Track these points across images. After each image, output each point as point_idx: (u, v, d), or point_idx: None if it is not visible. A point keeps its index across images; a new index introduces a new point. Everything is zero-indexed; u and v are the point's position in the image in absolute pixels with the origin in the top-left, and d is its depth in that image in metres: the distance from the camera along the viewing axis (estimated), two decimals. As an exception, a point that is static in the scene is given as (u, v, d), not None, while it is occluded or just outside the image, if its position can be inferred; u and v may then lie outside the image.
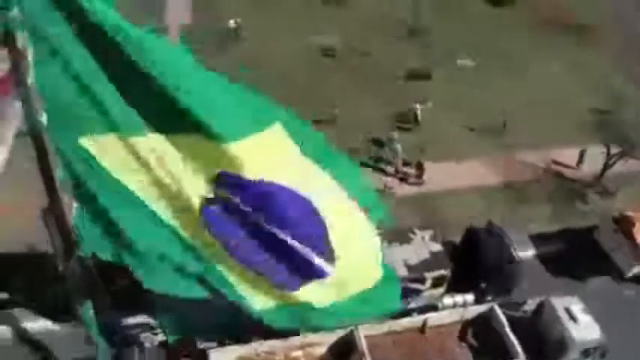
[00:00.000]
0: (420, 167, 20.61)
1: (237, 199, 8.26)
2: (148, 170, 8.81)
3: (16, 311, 15.56)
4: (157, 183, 8.95)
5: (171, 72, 7.32)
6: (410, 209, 18.84)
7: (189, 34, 30.14)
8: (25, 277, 15.87)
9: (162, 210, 9.15)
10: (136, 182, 8.88)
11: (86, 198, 8.94)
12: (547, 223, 18.92)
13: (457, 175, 20.40)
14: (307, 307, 9.73)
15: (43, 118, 8.03)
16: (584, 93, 25.15)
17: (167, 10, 32.51)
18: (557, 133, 22.58)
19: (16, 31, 7.34)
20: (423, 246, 14.60)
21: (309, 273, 8.80)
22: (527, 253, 17.66)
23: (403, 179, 21.01)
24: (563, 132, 22.58)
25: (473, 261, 15.63)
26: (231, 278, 9.89)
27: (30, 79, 7.77)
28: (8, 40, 7.49)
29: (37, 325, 15.06)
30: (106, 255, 9.88)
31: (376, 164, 21.52)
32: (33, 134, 7.72)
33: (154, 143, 8.49)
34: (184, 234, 9.34)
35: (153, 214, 9.19)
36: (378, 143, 22.51)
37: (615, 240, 17.15)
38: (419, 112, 23.60)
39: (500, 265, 15.39)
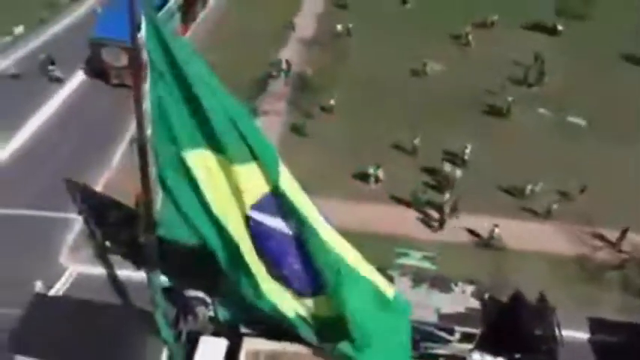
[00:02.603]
0: (441, 213, 20.37)
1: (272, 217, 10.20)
2: (215, 181, 10.78)
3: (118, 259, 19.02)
4: (219, 193, 10.86)
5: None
6: (467, 259, 19.03)
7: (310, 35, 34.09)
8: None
9: (221, 214, 10.99)
10: (207, 188, 10.89)
11: (170, 192, 11.21)
12: (614, 310, 17.77)
13: (526, 236, 19.89)
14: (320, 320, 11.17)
15: (149, 131, 10.34)
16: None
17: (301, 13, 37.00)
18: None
19: (141, 52, 9.59)
20: (461, 299, 14.91)
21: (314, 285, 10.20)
22: (579, 335, 16.98)
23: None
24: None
25: (513, 327, 15.51)
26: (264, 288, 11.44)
27: (145, 98, 10.08)
28: (136, 59, 9.77)
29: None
30: (176, 237, 12.14)
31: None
32: (139, 142, 10.07)
33: (220, 162, 10.40)
34: (232, 238, 11.14)
35: (214, 216, 11.08)
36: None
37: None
38: (467, 151, 23.26)
39: (542, 341, 15.09)
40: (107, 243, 19.35)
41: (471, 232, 20.48)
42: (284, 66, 31.11)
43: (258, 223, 10.27)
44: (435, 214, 21.12)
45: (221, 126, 9.85)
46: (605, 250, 20.06)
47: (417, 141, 23.99)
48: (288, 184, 10.26)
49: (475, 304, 14.91)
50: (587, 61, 30.40)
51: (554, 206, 21.01)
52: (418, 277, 15.46)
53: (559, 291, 17.74)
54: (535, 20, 34.31)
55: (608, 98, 27.88)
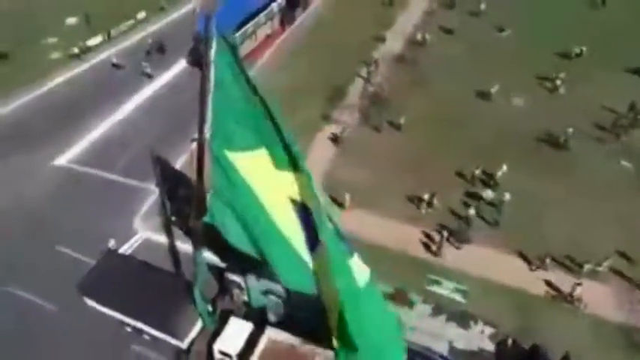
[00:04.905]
0: (440, 240, 20.35)
1: None
2: (263, 178, 12.19)
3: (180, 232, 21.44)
4: (268, 188, 12.24)
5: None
6: (502, 300, 18.84)
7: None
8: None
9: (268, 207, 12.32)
10: (257, 185, 12.38)
11: (220, 186, 12.87)
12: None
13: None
14: None
15: (208, 133, 12.05)
16: None
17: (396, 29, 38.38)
18: None
19: (209, 59, 11.10)
20: (477, 338, 15.04)
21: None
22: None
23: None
24: None
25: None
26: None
27: (208, 104, 11.70)
28: (203, 65, 11.38)
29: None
30: (219, 225, 13.64)
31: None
32: (198, 141, 11.82)
33: (266, 160, 11.75)
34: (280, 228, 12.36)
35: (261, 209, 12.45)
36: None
37: None
38: (500, 173, 22.81)
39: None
40: (173, 217, 21.86)
41: (549, 284, 19.85)
42: (372, 67, 32.64)
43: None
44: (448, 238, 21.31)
45: (285, 136, 11.26)
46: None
47: (477, 171, 23.99)
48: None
49: (490, 346, 14.98)
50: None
51: (606, 264, 20.00)
52: (439, 308, 15.84)
53: (594, 354, 17.08)
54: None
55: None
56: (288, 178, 11.80)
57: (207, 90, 11.44)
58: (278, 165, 11.71)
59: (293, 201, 11.79)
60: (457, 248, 20.86)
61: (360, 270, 12.10)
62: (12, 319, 18.05)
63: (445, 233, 20.94)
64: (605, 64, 32.37)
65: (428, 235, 21.55)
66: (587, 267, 19.81)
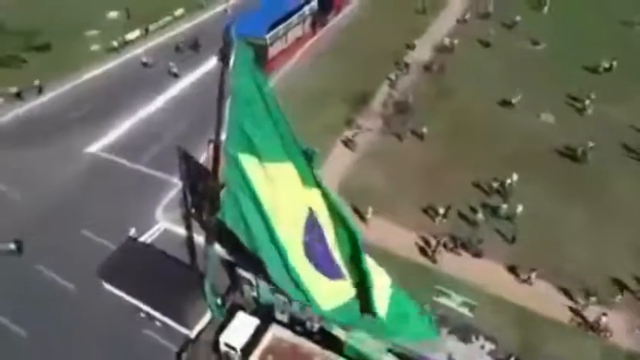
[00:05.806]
0: (436, 247, 20.56)
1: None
2: (271, 188, 12.71)
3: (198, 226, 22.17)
4: (275, 198, 12.74)
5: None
6: (510, 319, 18.71)
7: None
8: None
9: (271, 217, 12.88)
10: (262, 193, 12.84)
11: (231, 187, 13.47)
12: None
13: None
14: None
15: (224, 134, 12.65)
16: None
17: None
18: None
19: (228, 65, 11.65)
20: (477, 353, 15.11)
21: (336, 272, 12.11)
22: None
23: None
24: None
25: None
26: (306, 285, 13.24)
27: (225, 109, 12.29)
28: (224, 63, 11.86)
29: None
30: (230, 223, 14.30)
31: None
32: (215, 143, 12.43)
33: (281, 170, 12.26)
34: (281, 240, 12.99)
35: (264, 218, 13.01)
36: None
37: None
38: (509, 181, 22.83)
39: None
40: (193, 210, 22.62)
41: (573, 310, 19.42)
42: (402, 72, 33.09)
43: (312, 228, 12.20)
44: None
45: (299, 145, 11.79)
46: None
47: (495, 184, 23.90)
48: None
49: (489, 362, 15.05)
50: None
51: (619, 297, 19.67)
52: (442, 320, 15.96)
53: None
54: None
55: None
56: (313, 194, 12.37)
57: (225, 94, 12.06)
58: (305, 181, 12.27)
59: (311, 215, 12.36)
60: (456, 254, 20.90)
61: (383, 277, 12.90)
62: (35, 295, 19.11)
63: (443, 239, 20.99)
64: (636, 81, 31.60)
65: (427, 242, 21.62)
66: (592, 299, 19.37)
